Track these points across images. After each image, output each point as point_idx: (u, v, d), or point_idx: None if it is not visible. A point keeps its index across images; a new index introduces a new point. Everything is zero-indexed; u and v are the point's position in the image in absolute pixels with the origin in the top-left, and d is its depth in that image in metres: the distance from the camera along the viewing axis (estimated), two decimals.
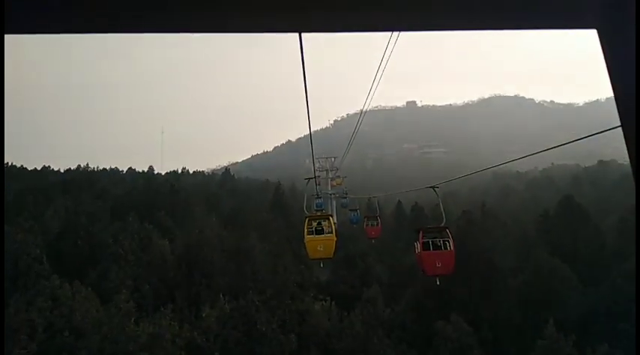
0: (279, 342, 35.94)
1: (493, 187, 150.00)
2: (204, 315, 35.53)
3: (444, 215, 24.05)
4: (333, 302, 72.21)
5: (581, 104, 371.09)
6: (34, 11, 1.66)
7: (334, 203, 72.73)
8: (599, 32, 1.86)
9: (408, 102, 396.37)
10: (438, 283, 22.94)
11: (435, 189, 24.46)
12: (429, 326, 47.55)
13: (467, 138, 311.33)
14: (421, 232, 22.32)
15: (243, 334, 34.49)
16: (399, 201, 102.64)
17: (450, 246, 22.10)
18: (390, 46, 13.32)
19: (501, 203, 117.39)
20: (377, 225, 42.89)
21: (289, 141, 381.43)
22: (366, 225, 43.49)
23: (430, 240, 22.11)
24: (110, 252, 46.15)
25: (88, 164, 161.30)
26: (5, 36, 1.63)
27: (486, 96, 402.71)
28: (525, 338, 44.79)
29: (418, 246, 22.05)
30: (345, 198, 65.76)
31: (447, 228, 22.79)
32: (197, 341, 32.75)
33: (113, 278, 41.92)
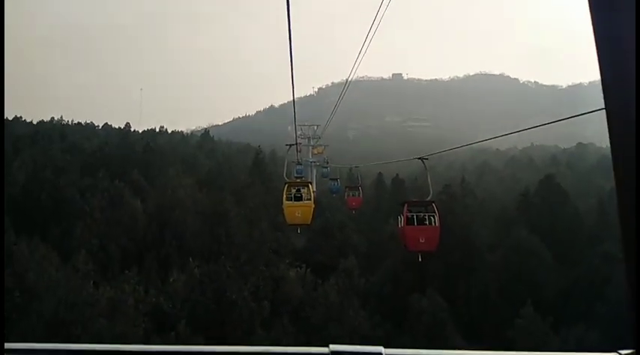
0: (249, 311, 34.58)
1: (471, 164, 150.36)
2: (171, 280, 33.64)
3: (431, 188, 22.92)
4: (308, 270, 71.52)
5: (564, 86, 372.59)
6: None
7: (314, 171, 72.53)
8: None
9: (394, 74, 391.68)
10: (420, 259, 21.97)
11: (424, 160, 23.25)
12: (404, 299, 46.89)
13: (450, 114, 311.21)
14: (406, 205, 21.28)
15: (212, 301, 32.86)
16: (379, 172, 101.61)
17: (435, 221, 21.06)
18: (379, 17, 12.84)
19: (479, 180, 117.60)
20: (358, 195, 41.54)
21: (272, 106, 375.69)
22: (347, 195, 42.10)
23: (415, 214, 21.17)
24: (76, 208, 43.51)
25: (62, 117, 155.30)
26: None
27: (472, 74, 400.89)
28: (500, 316, 44.53)
29: (402, 220, 21.14)
30: (326, 167, 64.27)
31: (433, 202, 21.79)
32: (163, 307, 31.02)
33: (77, 236, 39.52)
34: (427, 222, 21.31)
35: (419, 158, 22.69)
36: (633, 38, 1.41)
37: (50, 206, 46.30)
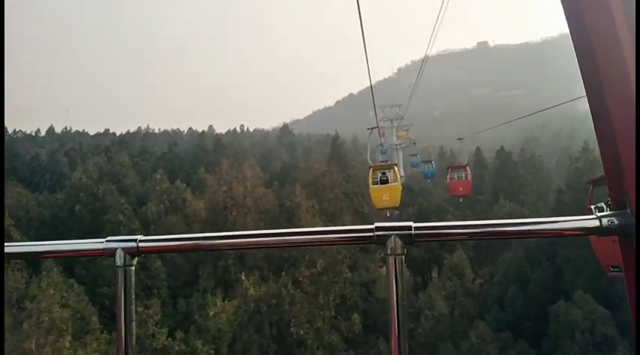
0: (327, 346, 24.76)
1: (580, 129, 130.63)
2: (210, 314, 24.53)
3: None
4: (406, 267, 60.91)
5: None
6: None
7: (400, 154, 66.15)
8: None
9: (479, 43, 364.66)
10: None
11: None
12: (539, 304, 34.88)
13: (547, 78, 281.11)
14: None
15: (271, 340, 23.44)
16: (477, 147, 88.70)
17: None
18: None
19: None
20: (466, 178, 30.08)
21: (351, 94, 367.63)
22: (451, 178, 30.63)
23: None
24: (108, 220, 36.47)
25: (148, 125, 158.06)
26: None
27: (568, 31, 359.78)
28: None
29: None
30: (416, 155, 56.79)
31: None
32: None
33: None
34: None
35: None
36: None
37: (87, 219, 40.10)
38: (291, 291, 26.64)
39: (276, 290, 26.54)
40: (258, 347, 23.09)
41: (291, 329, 24.05)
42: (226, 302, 26.46)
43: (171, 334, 23.97)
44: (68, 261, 32.61)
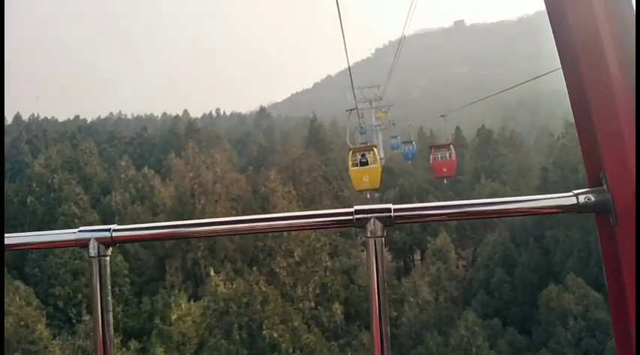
0: (305, 347, 22.62)
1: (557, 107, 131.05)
2: (174, 317, 21.97)
3: None
4: (387, 251, 59.48)
5: None
6: None
7: (380, 135, 65.88)
8: None
9: (455, 22, 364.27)
10: None
11: None
12: (528, 288, 33.42)
13: (524, 56, 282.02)
14: None
15: (240, 345, 21.12)
16: (457, 127, 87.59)
17: None
18: None
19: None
20: (450, 157, 27.91)
21: (329, 76, 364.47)
22: (434, 158, 28.41)
23: None
24: (61, 213, 33.40)
25: (120, 111, 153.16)
26: None
27: (543, 8, 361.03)
28: None
29: None
30: (396, 137, 56.59)
31: None
32: None
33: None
34: None
35: None
36: None
37: (40, 211, 36.91)
38: (263, 288, 24.29)
39: (248, 288, 24.11)
40: (227, 353, 20.79)
41: (264, 332, 21.78)
42: (192, 302, 23.98)
43: (125, 343, 21.37)
44: (18, 259, 29.89)
